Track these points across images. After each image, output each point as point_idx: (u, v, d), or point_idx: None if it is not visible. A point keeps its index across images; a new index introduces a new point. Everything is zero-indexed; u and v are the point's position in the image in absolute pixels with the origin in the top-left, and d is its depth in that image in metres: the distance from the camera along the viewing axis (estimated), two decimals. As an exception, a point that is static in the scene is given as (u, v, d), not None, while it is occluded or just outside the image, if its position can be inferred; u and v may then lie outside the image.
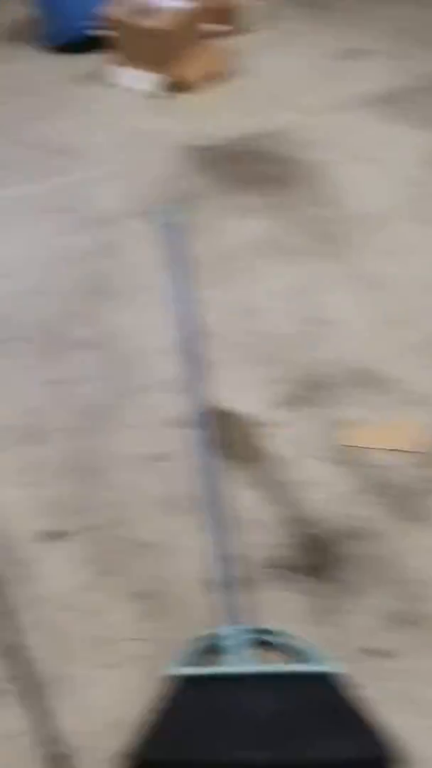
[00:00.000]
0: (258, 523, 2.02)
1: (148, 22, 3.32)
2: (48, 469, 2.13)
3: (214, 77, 3.52)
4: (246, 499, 2.06)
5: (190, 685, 1.73)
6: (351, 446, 2.15)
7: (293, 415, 2.24)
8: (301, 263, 2.71)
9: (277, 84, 3.22)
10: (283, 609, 1.79)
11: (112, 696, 1.71)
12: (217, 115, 3.41)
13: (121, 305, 2.53)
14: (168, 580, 1.85)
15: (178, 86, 3.45)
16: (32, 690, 1.70)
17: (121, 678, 1.73)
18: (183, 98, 3.45)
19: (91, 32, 3.57)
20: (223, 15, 3.71)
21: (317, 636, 1.75)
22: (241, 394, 2.26)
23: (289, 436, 2.21)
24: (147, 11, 3.30)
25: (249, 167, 3.14)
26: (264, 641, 1.84)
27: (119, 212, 2.89)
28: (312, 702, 1.70)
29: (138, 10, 3.40)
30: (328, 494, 2.05)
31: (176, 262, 2.59)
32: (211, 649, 1.82)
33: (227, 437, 2.15)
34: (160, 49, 3.27)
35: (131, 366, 2.33)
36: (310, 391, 2.29)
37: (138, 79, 3.39)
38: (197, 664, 1.80)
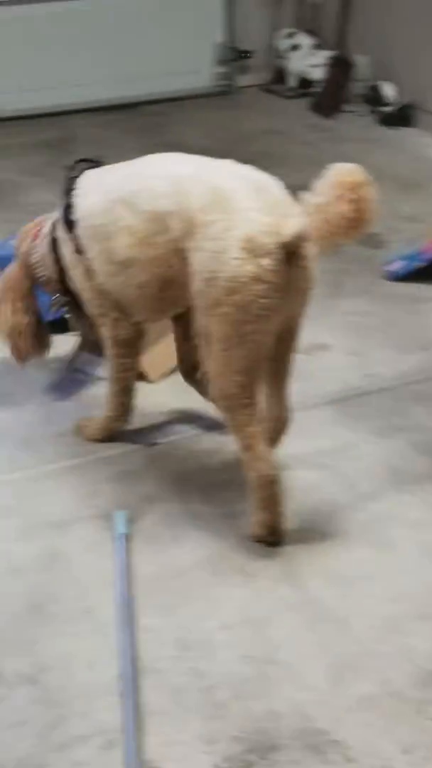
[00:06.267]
0: None
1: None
2: None
3: (172, 369, 3.47)
4: None
5: None
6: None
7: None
8: (255, 587, 2.54)
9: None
10: None
11: None
12: (177, 408, 3.34)
13: (60, 631, 2.41)
14: None
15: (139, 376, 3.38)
16: None
17: None
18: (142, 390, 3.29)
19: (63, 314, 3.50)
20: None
21: None
22: (175, 755, 2.08)
23: None
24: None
25: (199, 472, 3.03)
26: None
27: (71, 515, 2.84)
28: None
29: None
30: None
31: (121, 580, 2.53)
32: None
33: None
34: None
35: (66, 709, 2.19)
36: (253, 754, 2.07)
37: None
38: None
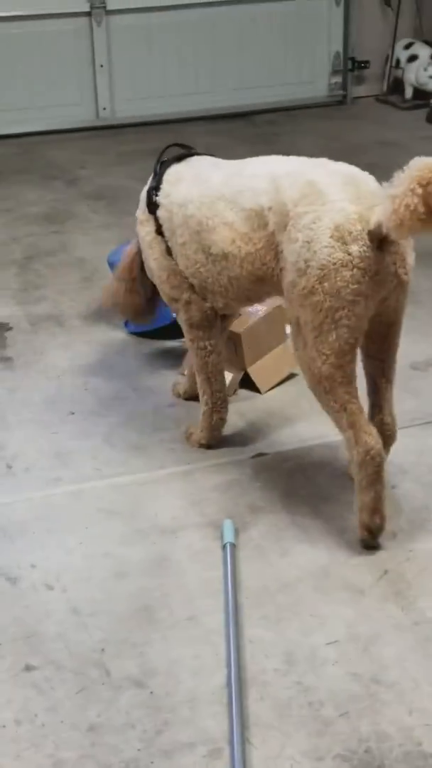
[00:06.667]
0: None
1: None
2: None
3: (283, 379, 3.54)
4: None
5: None
6: None
7: None
8: (363, 604, 2.51)
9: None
10: None
11: None
12: (285, 419, 3.32)
13: (168, 636, 2.43)
14: None
15: (250, 387, 3.48)
16: None
17: None
18: (251, 401, 3.43)
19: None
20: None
21: None
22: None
23: None
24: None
25: (308, 485, 3.00)
26: None
27: (179, 522, 2.85)
28: None
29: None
30: None
31: (228, 590, 2.54)
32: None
33: None
34: (234, 350, 3.27)
35: (171, 714, 2.20)
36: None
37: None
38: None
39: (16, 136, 6.58)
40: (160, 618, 2.48)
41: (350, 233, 2.49)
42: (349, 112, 7.16)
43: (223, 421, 3.16)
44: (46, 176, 5.90)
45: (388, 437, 2.84)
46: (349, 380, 2.62)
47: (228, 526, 2.75)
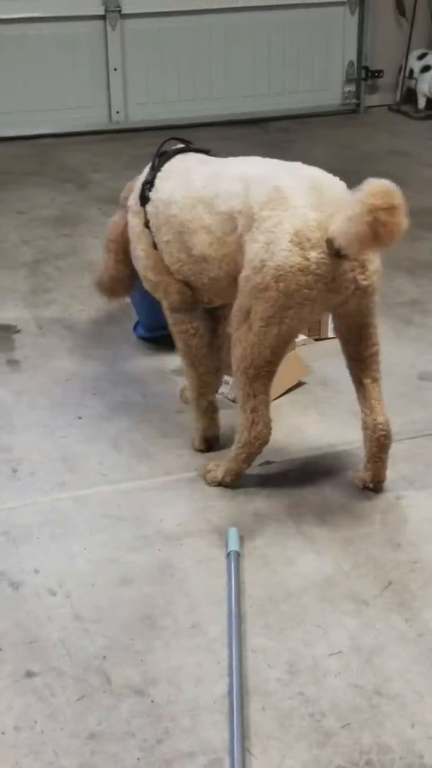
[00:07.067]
0: None
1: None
2: None
3: (292, 387, 3.53)
4: None
5: None
6: None
7: None
8: (367, 615, 2.49)
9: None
10: None
11: None
12: (293, 427, 3.31)
13: (168, 644, 2.41)
14: None
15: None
16: None
17: None
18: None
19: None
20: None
21: None
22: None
23: None
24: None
25: (314, 494, 2.97)
26: None
27: (184, 528, 2.83)
28: None
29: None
30: None
31: (232, 599, 2.53)
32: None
33: None
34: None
35: (172, 723, 2.18)
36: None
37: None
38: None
39: (29, 138, 6.60)
40: (162, 625, 2.47)
41: (309, 240, 2.58)
42: (362, 120, 7.15)
43: (213, 405, 3.14)
44: (58, 179, 5.91)
45: (383, 438, 2.85)
46: (270, 375, 2.80)
47: (233, 534, 2.73)
